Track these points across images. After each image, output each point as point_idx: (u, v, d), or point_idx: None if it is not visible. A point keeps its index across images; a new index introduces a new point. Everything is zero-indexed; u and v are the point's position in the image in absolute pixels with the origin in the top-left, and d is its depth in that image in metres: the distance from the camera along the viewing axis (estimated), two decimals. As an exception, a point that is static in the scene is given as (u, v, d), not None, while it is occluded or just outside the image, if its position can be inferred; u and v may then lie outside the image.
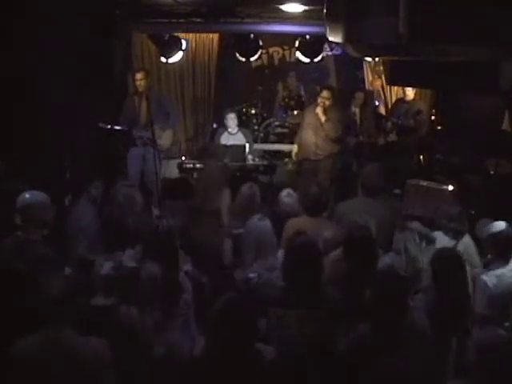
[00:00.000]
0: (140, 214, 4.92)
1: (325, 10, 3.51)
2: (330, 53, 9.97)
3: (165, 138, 7.21)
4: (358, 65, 9.29)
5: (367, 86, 9.28)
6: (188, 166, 7.59)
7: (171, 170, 7.98)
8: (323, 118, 7.16)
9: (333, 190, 7.12)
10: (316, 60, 7.94)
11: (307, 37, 7.60)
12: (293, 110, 9.54)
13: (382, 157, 7.78)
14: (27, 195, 3.88)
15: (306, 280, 3.40)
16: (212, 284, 4.24)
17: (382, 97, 9.19)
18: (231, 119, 7.62)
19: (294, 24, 7.22)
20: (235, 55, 8.18)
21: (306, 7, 6.35)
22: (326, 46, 8.39)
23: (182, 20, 7.26)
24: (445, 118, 8.54)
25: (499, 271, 4.05)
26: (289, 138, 8.91)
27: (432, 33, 2.98)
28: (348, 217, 4.57)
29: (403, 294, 3.15)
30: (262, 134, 9.17)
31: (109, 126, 6.60)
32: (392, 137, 8.26)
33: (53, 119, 5.79)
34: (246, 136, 7.70)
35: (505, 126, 7.56)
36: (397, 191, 6.85)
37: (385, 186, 7.26)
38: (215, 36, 9.05)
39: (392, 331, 3.06)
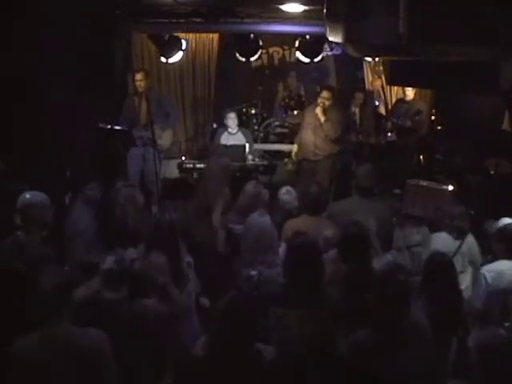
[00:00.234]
0: (141, 214, 4.91)
1: (325, 10, 3.51)
2: (329, 53, 9.98)
3: (165, 138, 7.21)
4: (358, 65, 9.29)
5: (367, 86, 9.28)
6: (188, 165, 7.59)
7: (171, 169, 7.98)
8: (322, 119, 7.15)
9: (332, 190, 7.12)
10: (316, 60, 7.94)
11: (307, 37, 7.60)
12: (293, 110, 9.54)
13: (382, 157, 7.79)
14: (27, 195, 3.88)
15: (306, 280, 3.40)
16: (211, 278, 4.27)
17: (382, 97, 9.19)
18: (231, 119, 7.62)
19: (294, 24, 7.22)
20: (235, 55, 8.18)
21: (306, 7, 6.35)
22: (325, 46, 8.39)
23: (182, 20, 7.26)
24: (445, 118, 8.54)
25: (501, 267, 4.05)
26: (289, 138, 8.92)
27: (432, 33, 2.97)
28: (342, 216, 4.59)
29: (404, 293, 3.15)
30: (261, 134, 9.17)
31: (109, 126, 6.60)
32: (392, 137, 8.26)
33: (53, 119, 5.79)
34: (246, 136, 7.71)
35: (505, 126, 7.56)
36: (397, 191, 6.85)
37: (384, 186, 7.32)
38: (215, 36, 9.05)
39: (393, 331, 3.05)
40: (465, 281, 4.33)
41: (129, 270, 3.66)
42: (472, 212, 4.83)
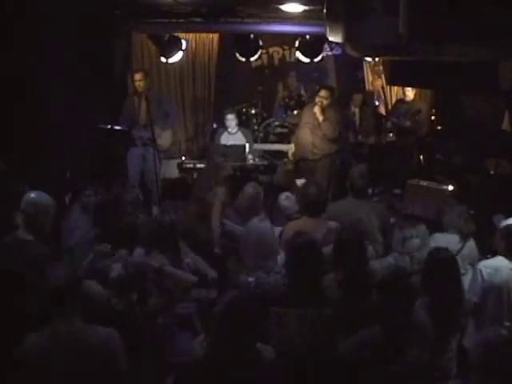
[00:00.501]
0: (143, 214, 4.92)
1: (325, 10, 3.51)
2: (329, 53, 9.97)
3: (165, 138, 7.21)
4: (358, 65, 9.29)
5: (367, 86, 9.29)
6: (188, 165, 7.59)
7: (171, 169, 7.98)
8: (321, 118, 7.14)
9: (331, 190, 7.12)
10: (316, 60, 7.94)
11: (307, 37, 7.60)
12: (293, 110, 9.53)
13: (382, 157, 7.79)
14: (32, 195, 3.88)
15: (307, 280, 3.40)
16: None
17: (382, 97, 9.19)
18: (231, 119, 7.61)
19: (294, 24, 7.22)
20: (235, 55, 8.19)
21: (306, 7, 6.35)
22: (326, 46, 8.39)
23: (181, 20, 7.26)
24: (445, 118, 8.54)
25: (498, 264, 4.05)
26: (289, 138, 8.91)
27: (432, 33, 2.98)
28: (339, 218, 4.59)
29: (409, 294, 3.15)
30: (261, 134, 9.17)
31: (109, 126, 6.60)
32: (392, 137, 8.26)
33: (53, 119, 5.79)
34: (246, 136, 7.70)
35: (505, 125, 7.55)
36: (397, 191, 6.85)
37: (385, 186, 7.32)
38: (215, 36, 9.05)
39: (395, 331, 3.05)
40: (466, 282, 4.32)
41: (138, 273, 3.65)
42: (472, 212, 4.82)
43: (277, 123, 9.35)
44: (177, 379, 2.95)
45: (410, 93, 8.14)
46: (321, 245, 3.79)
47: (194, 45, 8.93)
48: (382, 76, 8.75)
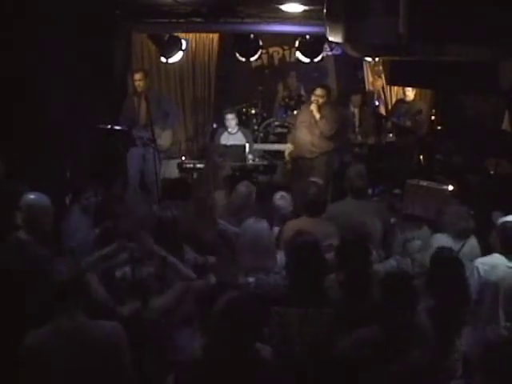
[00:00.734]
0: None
1: (325, 10, 3.51)
2: (329, 53, 9.97)
3: (164, 138, 7.21)
4: (358, 65, 9.29)
5: (367, 86, 9.29)
6: (188, 165, 7.59)
7: (171, 169, 7.98)
8: (317, 116, 7.18)
9: (329, 190, 7.13)
10: (316, 60, 7.95)
11: (307, 37, 7.61)
12: (293, 110, 9.53)
13: (382, 157, 7.79)
14: (31, 196, 3.88)
15: (308, 279, 3.40)
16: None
17: (382, 97, 9.19)
18: (231, 119, 7.62)
19: (294, 24, 7.23)
20: (235, 55, 8.19)
21: (306, 7, 6.35)
22: (326, 46, 8.40)
23: (181, 20, 7.26)
24: (445, 118, 8.54)
25: (495, 261, 4.05)
26: (289, 138, 8.92)
27: (432, 33, 2.98)
28: (341, 218, 4.58)
29: (410, 295, 3.14)
30: (261, 134, 9.17)
31: (109, 126, 6.60)
32: (392, 137, 8.27)
33: (53, 119, 5.79)
34: (245, 136, 7.71)
35: (505, 125, 7.56)
36: (397, 191, 6.85)
37: (385, 186, 7.32)
38: (215, 36, 9.05)
39: (396, 331, 3.05)
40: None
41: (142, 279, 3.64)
42: (472, 212, 4.82)
43: (277, 123, 9.35)
44: (177, 378, 2.95)
45: (410, 93, 8.14)
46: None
47: (193, 45, 8.92)
48: (382, 76, 8.75)
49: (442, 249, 3.83)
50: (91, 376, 2.84)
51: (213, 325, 2.80)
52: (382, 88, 9.15)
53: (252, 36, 7.84)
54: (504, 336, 2.69)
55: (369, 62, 8.80)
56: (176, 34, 7.50)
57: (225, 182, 6.21)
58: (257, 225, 3.99)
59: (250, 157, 7.44)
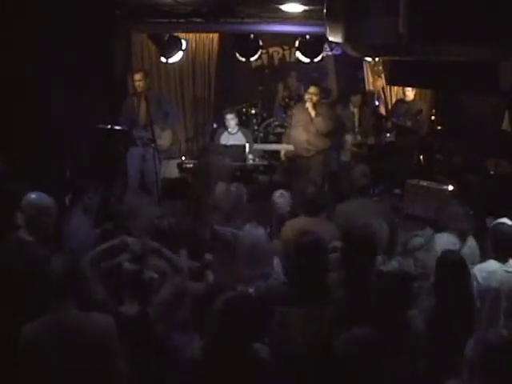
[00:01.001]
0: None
1: (325, 10, 3.51)
2: (329, 53, 9.96)
3: (164, 138, 7.21)
4: (358, 65, 9.29)
5: (367, 86, 9.28)
6: (188, 165, 7.58)
7: (171, 169, 7.99)
8: (313, 113, 7.26)
9: (325, 187, 7.15)
10: (316, 60, 7.94)
11: (307, 37, 7.60)
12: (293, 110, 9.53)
13: (382, 157, 7.80)
14: (33, 196, 3.87)
15: (311, 279, 3.39)
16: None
17: (382, 97, 9.19)
18: (231, 119, 7.62)
19: (294, 24, 7.23)
20: (235, 55, 8.18)
21: (306, 7, 6.35)
22: (326, 46, 8.40)
23: (182, 20, 7.25)
24: (445, 118, 8.54)
25: (492, 268, 4.03)
26: (289, 138, 8.91)
27: (432, 33, 2.98)
28: (347, 218, 4.56)
29: (404, 298, 3.14)
30: (261, 134, 9.17)
31: (109, 126, 6.60)
32: (392, 137, 8.27)
33: (53, 119, 5.79)
34: (246, 136, 7.71)
35: (505, 125, 7.56)
36: (397, 191, 6.86)
37: (385, 186, 7.32)
38: (215, 36, 9.05)
39: (386, 332, 3.04)
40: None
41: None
42: (472, 212, 4.82)
43: (277, 123, 9.35)
44: (176, 378, 2.96)
45: (410, 93, 8.14)
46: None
47: (193, 45, 8.92)
48: (382, 76, 8.75)
49: (447, 251, 3.82)
50: (84, 368, 2.86)
51: (211, 325, 2.81)
52: (382, 88, 9.15)
53: (252, 36, 7.83)
54: (504, 336, 2.69)
55: (369, 62, 8.80)
56: (176, 34, 7.50)
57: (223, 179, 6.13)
58: (253, 232, 3.95)
59: (250, 157, 7.43)
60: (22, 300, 3.36)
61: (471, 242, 4.51)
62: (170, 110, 7.45)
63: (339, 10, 3.36)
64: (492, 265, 4.07)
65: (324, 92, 9.69)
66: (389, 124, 8.30)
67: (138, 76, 7.03)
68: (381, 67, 8.51)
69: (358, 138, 8.09)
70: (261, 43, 8.04)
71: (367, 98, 8.77)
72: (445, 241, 4.41)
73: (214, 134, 8.04)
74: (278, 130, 9.32)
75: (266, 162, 7.69)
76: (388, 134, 8.26)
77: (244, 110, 9.38)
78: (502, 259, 4.05)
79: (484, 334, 2.76)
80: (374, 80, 9.17)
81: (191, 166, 7.53)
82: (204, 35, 8.93)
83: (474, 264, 4.39)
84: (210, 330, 2.84)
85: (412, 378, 3.01)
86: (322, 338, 3.27)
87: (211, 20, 7.17)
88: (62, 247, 4.52)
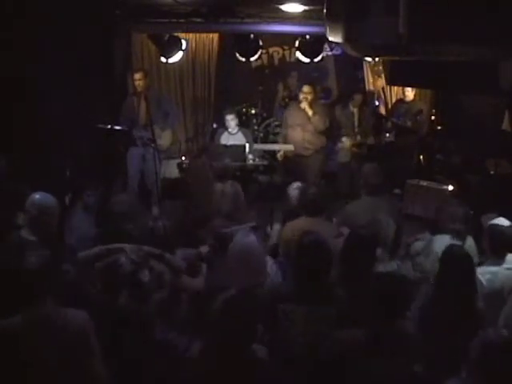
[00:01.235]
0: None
1: (325, 10, 3.51)
2: (329, 53, 9.95)
3: (164, 138, 7.21)
4: (358, 65, 9.29)
5: (367, 86, 9.28)
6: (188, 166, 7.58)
7: (171, 169, 7.99)
8: (310, 112, 7.31)
9: (323, 186, 7.15)
10: (316, 60, 7.95)
11: (307, 37, 7.60)
12: (293, 110, 9.52)
13: (382, 157, 7.79)
14: (37, 196, 3.88)
15: (314, 278, 3.39)
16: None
17: (382, 97, 9.19)
18: (231, 119, 7.62)
19: (294, 24, 7.23)
20: (235, 55, 8.18)
21: (306, 7, 6.35)
22: (326, 46, 8.40)
23: (182, 20, 7.25)
24: (445, 118, 8.54)
25: (494, 269, 4.03)
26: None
27: (432, 33, 2.98)
28: (356, 217, 4.55)
29: (397, 301, 3.13)
30: (261, 134, 9.17)
31: (109, 126, 6.60)
32: (391, 137, 8.26)
33: (53, 119, 5.79)
34: (246, 136, 7.70)
35: (505, 125, 7.55)
36: (397, 191, 6.85)
37: (385, 185, 7.31)
38: (215, 36, 9.05)
39: (379, 337, 3.03)
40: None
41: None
42: (472, 212, 4.82)
43: (277, 123, 9.35)
44: (175, 377, 2.95)
45: (409, 93, 8.14)
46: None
47: (193, 45, 8.92)
48: (382, 76, 8.75)
49: (452, 245, 3.80)
50: (61, 363, 2.86)
51: (210, 324, 2.80)
52: (382, 88, 9.14)
53: (252, 36, 7.83)
54: (504, 336, 2.69)
55: (369, 62, 8.80)
56: (176, 34, 7.50)
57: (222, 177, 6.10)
58: (244, 240, 3.83)
59: (250, 157, 7.43)
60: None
61: (470, 241, 4.51)
62: (170, 109, 7.45)
63: (339, 10, 3.36)
64: (492, 265, 4.07)
65: (324, 92, 9.73)
66: (389, 124, 8.30)
67: (137, 75, 7.03)
68: (381, 67, 8.51)
69: (358, 138, 8.09)
70: (261, 43, 8.03)
71: (367, 97, 8.77)
72: (443, 242, 4.41)
73: (214, 134, 8.04)
74: (278, 130, 9.31)
75: (265, 162, 7.69)
76: (388, 134, 8.25)
77: (244, 110, 9.38)
78: (501, 257, 4.06)
79: (484, 333, 2.75)
80: (374, 80, 9.17)
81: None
82: (204, 35, 8.93)
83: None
84: (210, 329, 2.84)
85: (408, 380, 3.00)
86: (323, 337, 3.26)
87: (211, 20, 7.17)
88: (64, 246, 4.53)
